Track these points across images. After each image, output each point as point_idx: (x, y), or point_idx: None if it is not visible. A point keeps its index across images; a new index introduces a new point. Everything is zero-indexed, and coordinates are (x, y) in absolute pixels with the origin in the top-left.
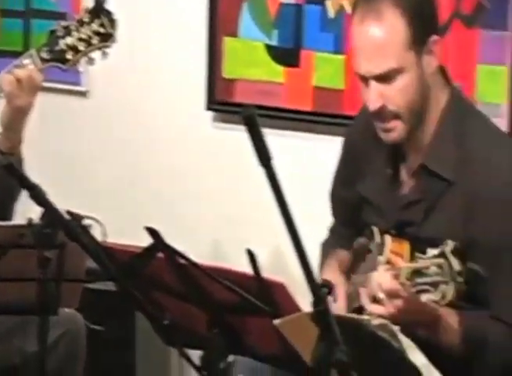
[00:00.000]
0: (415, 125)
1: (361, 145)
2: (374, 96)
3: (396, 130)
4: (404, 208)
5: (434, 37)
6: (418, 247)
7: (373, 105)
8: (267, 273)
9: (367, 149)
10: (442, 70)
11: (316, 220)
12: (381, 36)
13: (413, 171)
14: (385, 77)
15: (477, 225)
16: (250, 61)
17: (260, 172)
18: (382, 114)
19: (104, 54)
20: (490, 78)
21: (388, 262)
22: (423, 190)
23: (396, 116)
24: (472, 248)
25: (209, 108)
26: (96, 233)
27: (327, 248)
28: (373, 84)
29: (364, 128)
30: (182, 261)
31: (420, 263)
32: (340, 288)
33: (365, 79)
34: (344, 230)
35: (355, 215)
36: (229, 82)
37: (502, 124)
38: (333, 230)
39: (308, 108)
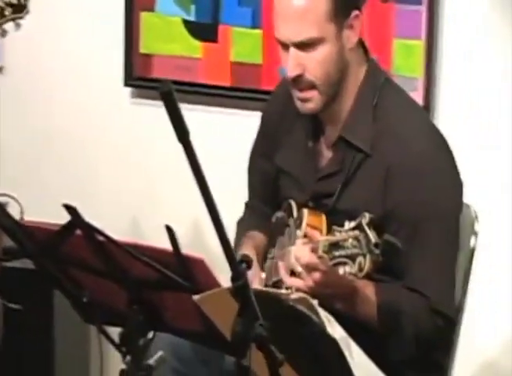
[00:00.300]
0: (331, 97)
1: (280, 117)
2: (293, 64)
3: (312, 100)
4: (322, 180)
5: (356, 12)
6: (335, 219)
7: (292, 72)
8: (186, 249)
9: (286, 121)
10: (361, 44)
11: (235, 196)
12: (304, 4)
13: (332, 144)
14: (305, 46)
15: (392, 197)
16: (168, 36)
17: (179, 148)
18: (299, 82)
19: (17, 25)
20: (406, 52)
21: (306, 236)
22: (340, 162)
23: (313, 86)
24: (389, 220)
25: (127, 84)
26: (13, 210)
27: (244, 227)
28: (293, 51)
29: (283, 100)
30: (101, 238)
31: (337, 236)
32: (256, 268)
33: (285, 45)
34: (262, 206)
35: (273, 188)
36: (147, 58)
37: (417, 97)
38: (251, 206)
39: (226, 83)
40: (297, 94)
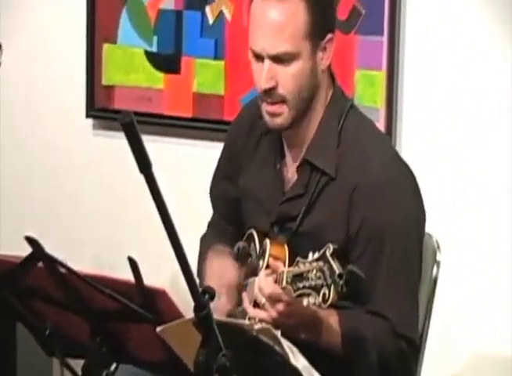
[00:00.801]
0: (300, 115)
1: (244, 140)
2: (267, 76)
3: (282, 116)
4: (286, 203)
5: (330, 35)
6: (299, 243)
7: (266, 84)
8: (149, 280)
9: (251, 144)
10: (329, 69)
11: (197, 226)
12: (282, 19)
13: (297, 167)
14: (280, 59)
15: (356, 219)
16: (130, 68)
17: (141, 179)
18: (271, 95)
19: None
20: (367, 83)
21: (269, 267)
22: (305, 185)
23: (284, 100)
24: (352, 244)
25: (89, 115)
26: None
27: (207, 242)
28: (268, 63)
29: (248, 123)
30: (63, 270)
31: (301, 267)
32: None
33: (259, 56)
34: (225, 225)
35: (236, 210)
36: (109, 89)
37: (379, 127)
38: (214, 224)
39: (188, 114)
40: (267, 108)
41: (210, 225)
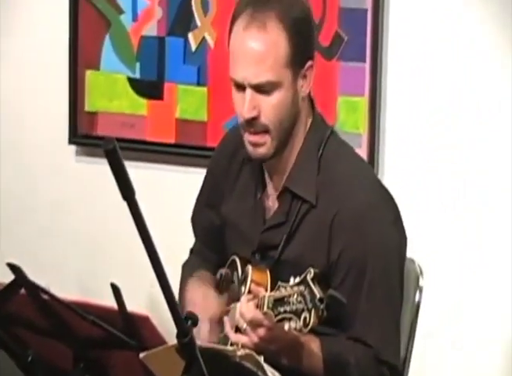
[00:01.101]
0: (283, 144)
1: (227, 168)
2: (250, 105)
3: (265, 145)
4: (267, 231)
5: (310, 63)
6: (281, 271)
7: (248, 113)
8: (131, 307)
9: (233, 172)
10: (309, 96)
11: (180, 254)
12: (263, 49)
13: (278, 195)
14: (262, 89)
15: (337, 245)
16: (113, 94)
17: (124, 206)
18: (253, 125)
19: None
20: (350, 109)
21: (250, 292)
22: (286, 213)
23: (266, 130)
24: (334, 270)
25: (72, 142)
26: None
27: (189, 269)
28: (250, 92)
29: (231, 150)
30: (45, 296)
31: (282, 292)
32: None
33: (240, 86)
34: (208, 252)
35: (218, 237)
36: (92, 115)
37: (362, 153)
38: (196, 251)
39: (171, 140)
40: (249, 138)
41: (192, 252)
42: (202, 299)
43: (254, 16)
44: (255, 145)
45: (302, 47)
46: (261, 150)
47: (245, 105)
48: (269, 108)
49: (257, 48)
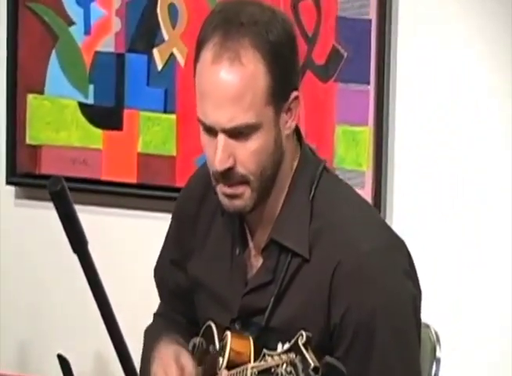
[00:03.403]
0: (264, 195)
1: (195, 216)
2: (224, 155)
3: (243, 198)
4: (250, 293)
5: (295, 94)
6: (269, 341)
7: (222, 165)
8: None
9: (204, 222)
10: (296, 130)
11: (142, 315)
12: (237, 85)
13: (262, 249)
14: (237, 133)
15: (338, 308)
16: (61, 123)
17: (74, 258)
18: (229, 177)
19: None
20: (350, 141)
21: (230, 364)
22: (272, 270)
23: (244, 181)
24: (336, 338)
25: (10, 182)
26: None
27: (153, 335)
28: (223, 139)
29: (200, 193)
30: None
31: (268, 361)
32: None
33: (210, 130)
34: (176, 316)
35: (187, 302)
36: (34, 150)
37: (365, 195)
38: (161, 314)
39: (132, 180)
40: (223, 189)
41: (156, 315)
42: (174, 361)
43: (224, 45)
44: (231, 196)
45: (285, 77)
46: (239, 203)
47: (217, 154)
48: (247, 156)
49: (231, 85)
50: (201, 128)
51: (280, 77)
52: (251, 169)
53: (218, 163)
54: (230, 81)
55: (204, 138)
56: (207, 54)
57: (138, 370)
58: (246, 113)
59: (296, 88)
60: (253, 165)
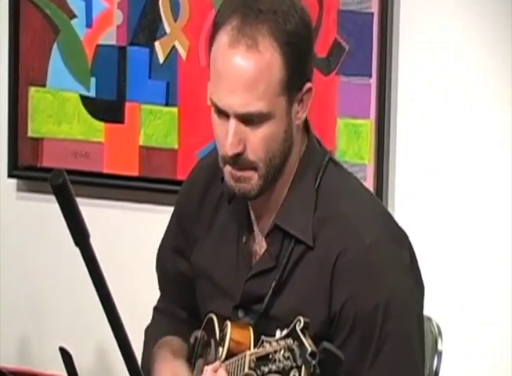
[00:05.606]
0: (270, 183)
1: (199, 204)
2: (235, 140)
3: (250, 182)
4: (252, 279)
5: (309, 85)
6: (269, 329)
7: (232, 150)
8: (86, 375)
9: (207, 210)
10: (305, 121)
11: (144, 310)
12: (253, 72)
13: (265, 236)
14: (250, 120)
15: (339, 297)
16: (62, 116)
17: (76, 251)
18: (237, 162)
19: None
20: (352, 134)
21: (230, 354)
22: (275, 256)
23: (253, 167)
24: (336, 326)
25: (12, 175)
26: None
27: (153, 334)
28: (235, 124)
29: (204, 183)
30: None
31: (266, 348)
32: None
33: (222, 113)
34: (175, 309)
35: (189, 293)
36: (36, 143)
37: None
38: (163, 310)
39: (134, 173)
40: (232, 171)
41: (157, 310)
42: None
43: (242, 29)
44: (238, 180)
45: (300, 68)
46: (245, 186)
47: (228, 138)
48: (257, 142)
49: (246, 70)
50: (212, 109)
51: (295, 68)
52: (261, 156)
53: (229, 147)
54: (245, 67)
55: (215, 119)
56: (224, 37)
57: (139, 362)
58: (258, 101)
59: (309, 80)
60: (262, 152)
